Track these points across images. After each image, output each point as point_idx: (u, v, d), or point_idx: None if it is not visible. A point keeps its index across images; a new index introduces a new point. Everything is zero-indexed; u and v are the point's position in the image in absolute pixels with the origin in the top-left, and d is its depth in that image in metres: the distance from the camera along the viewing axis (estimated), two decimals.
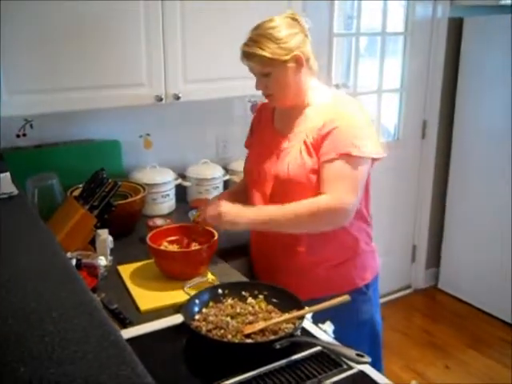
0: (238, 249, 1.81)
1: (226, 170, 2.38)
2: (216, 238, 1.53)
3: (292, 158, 1.48)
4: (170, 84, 1.93)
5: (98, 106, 1.85)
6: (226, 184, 2.35)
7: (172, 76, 1.94)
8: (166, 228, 1.63)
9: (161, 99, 1.92)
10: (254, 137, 1.68)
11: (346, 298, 1.23)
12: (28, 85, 1.70)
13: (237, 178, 2.29)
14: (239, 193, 1.72)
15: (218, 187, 2.28)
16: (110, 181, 1.67)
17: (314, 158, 1.45)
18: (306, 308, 1.25)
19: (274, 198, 1.51)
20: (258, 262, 1.70)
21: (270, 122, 1.62)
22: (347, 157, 1.40)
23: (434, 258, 3.46)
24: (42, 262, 0.96)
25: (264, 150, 1.58)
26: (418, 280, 3.48)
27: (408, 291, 3.45)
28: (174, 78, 1.94)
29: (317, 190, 1.43)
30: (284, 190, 1.51)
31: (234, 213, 1.44)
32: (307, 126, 1.48)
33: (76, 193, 1.86)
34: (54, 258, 1.00)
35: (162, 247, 1.56)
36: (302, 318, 1.22)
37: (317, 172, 1.44)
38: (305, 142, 1.47)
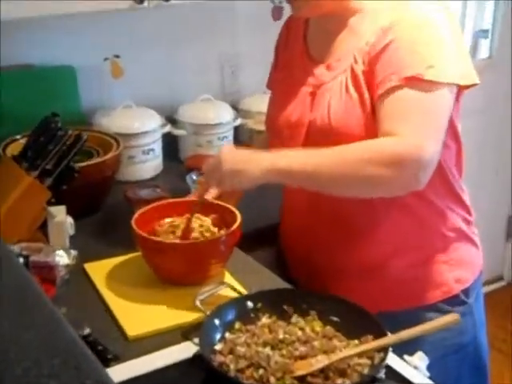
0: (261, 234, 1.81)
1: (237, 111, 2.36)
2: (239, 221, 1.49)
3: (335, 96, 1.46)
4: None
5: (42, 12, 1.78)
6: (238, 132, 2.35)
7: None
8: (161, 204, 1.60)
9: (141, 0, 1.87)
10: (279, 69, 1.68)
11: (454, 318, 1.21)
12: None
13: (253, 123, 2.28)
14: None
15: (226, 137, 2.27)
16: (69, 132, 1.63)
17: (368, 94, 1.41)
18: (390, 334, 1.21)
19: None
20: (293, 256, 1.70)
21: (301, 45, 1.60)
22: (417, 83, 1.34)
23: None
24: None
25: (293, 86, 1.56)
26: None
27: (500, 284, 3.50)
28: None
29: None
30: (323, 146, 1.46)
31: (242, 157, 1.40)
32: (355, 44, 1.45)
33: (13, 150, 1.82)
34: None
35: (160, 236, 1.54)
36: (384, 349, 1.19)
37: (374, 115, 1.41)
38: (353, 71, 1.44)
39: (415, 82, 1.34)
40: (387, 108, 1.37)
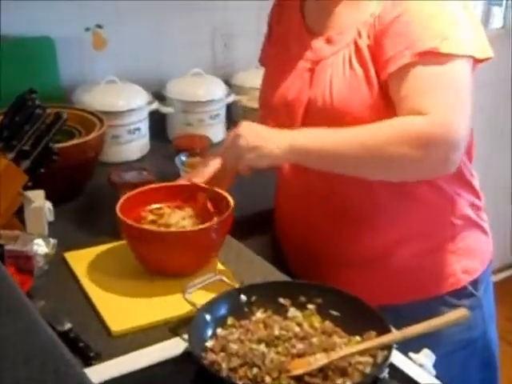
0: (255, 220, 1.82)
1: (230, 87, 2.37)
2: (232, 207, 1.49)
3: (337, 72, 1.46)
4: None
5: None
6: (231, 110, 2.37)
7: None
8: (148, 189, 1.59)
9: None
10: (273, 43, 1.68)
11: (463, 313, 1.20)
12: None
13: (247, 100, 2.28)
14: None
15: (218, 115, 2.28)
16: (48, 111, 1.60)
17: (374, 72, 1.41)
18: (395, 331, 1.20)
19: None
20: (288, 244, 1.72)
21: (297, 15, 1.60)
22: (433, 57, 1.34)
23: None
24: None
25: (289, 62, 1.56)
26: None
27: (508, 273, 3.53)
28: None
29: None
30: (323, 127, 1.46)
31: (261, 133, 1.42)
32: (359, 15, 1.45)
33: None
34: None
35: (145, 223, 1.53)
36: (387, 347, 1.18)
37: (383, 95, 1.40)
38: (357, 45, 1.44)
39: (431, 56, 1.34)
40: (407, 86, 1.36)
